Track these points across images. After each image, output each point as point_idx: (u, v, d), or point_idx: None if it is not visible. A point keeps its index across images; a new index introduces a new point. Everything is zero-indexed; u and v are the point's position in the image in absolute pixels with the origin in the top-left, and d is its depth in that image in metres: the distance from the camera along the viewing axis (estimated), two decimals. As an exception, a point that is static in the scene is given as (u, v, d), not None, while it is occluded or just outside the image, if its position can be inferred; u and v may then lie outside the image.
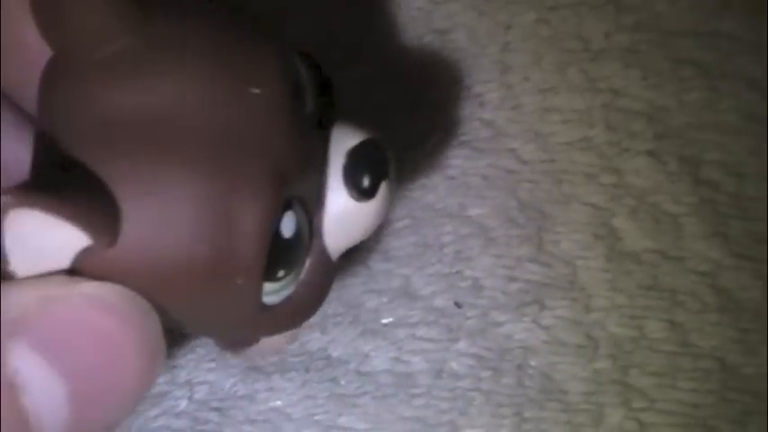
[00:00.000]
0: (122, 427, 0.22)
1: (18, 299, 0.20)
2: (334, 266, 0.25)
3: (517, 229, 0.34)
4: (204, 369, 0.32)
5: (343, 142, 0.24)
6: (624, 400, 0.32)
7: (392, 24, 0.36)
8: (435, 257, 0.33)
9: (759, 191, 0.34)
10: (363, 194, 0.24)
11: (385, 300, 0.33)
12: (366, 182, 0.23)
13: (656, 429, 0.31)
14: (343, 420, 0.32)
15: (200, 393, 0.32)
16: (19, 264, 0.21)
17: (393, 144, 0.24)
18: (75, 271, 0.21)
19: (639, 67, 0.35)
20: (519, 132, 0.35)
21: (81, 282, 0.21)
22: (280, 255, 0.22)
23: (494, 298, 0.33)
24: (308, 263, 0.24)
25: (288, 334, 0.26)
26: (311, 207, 0.23)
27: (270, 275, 0.23)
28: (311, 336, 0.33)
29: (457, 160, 0.34)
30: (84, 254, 0.21)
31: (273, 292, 0.23)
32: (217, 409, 0.32)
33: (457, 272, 0.33)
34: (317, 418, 0.32)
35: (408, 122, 0.35)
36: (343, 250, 0.25)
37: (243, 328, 0.25)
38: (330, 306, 0.33)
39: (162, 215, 0.21)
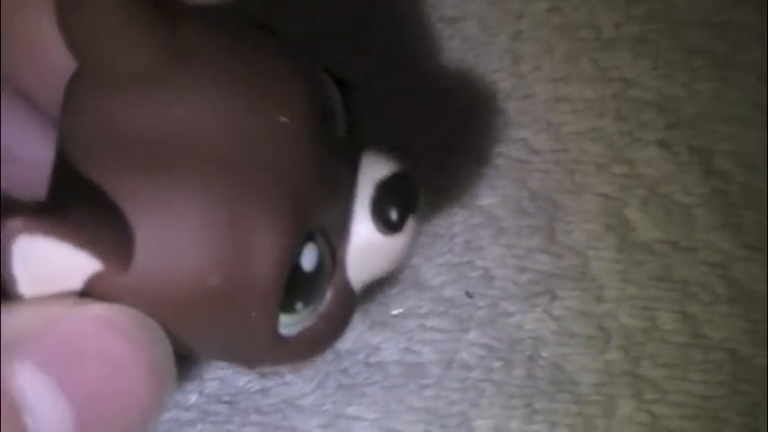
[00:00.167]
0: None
1: (25, 318, 0.20)
2: (355, 299, 0.24)
3: (528, 220, 0.33)
4: (216, 366, 0.32)
5: (372, 172, 0.23)
6: (635, 391, 0.32)
7: (401, 12, 0.36)
8: (446, 247, 0.33)
9: (770, 182, 0.34)
10: (391, 228, 0.23)
11: (395, 290, 0.33)
12: (394, 216, 0.23)
13: (668, 421, 0.31)
14: (351, 410, 0.32)
15: (211, 388, 0.32)
16: (27, 286, 0.20)
17: (416, 173, 0.23)
18: (86, 293, 0.21)
19: (650, 57, 0.35)
20: (530, 122, 0.34)
21: (90, 303, 0.21)
22: (298, 287, 0.22)
23: (504, 288, 0.33)
24: (328, 295, 0.23)
25: None
26: (335, 237, 0.23)
27: (287, 308, 0.22)
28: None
29: (467, 150, 0.34)
30: (95, 277, 0.20)
31: (290, 324, 0.22)
32: (227, 402, 0.32)
33: (467, 262, 0.33)
34: (325, 407, 0.32)
35: (417, 112, 0.35)
36: (367, 283, 0.24)
37: (256, 358, 0.24)
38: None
39: (176, 242, 0.20)
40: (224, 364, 0.32)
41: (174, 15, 0.21)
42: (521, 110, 0.34)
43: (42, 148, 0.25)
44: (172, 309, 0.21)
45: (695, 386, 0.32)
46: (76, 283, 0.20)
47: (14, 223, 0.19)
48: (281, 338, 0.22)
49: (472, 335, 0.32)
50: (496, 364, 0.32)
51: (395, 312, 0.32)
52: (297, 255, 0.21)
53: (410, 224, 0.23)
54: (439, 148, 0.34)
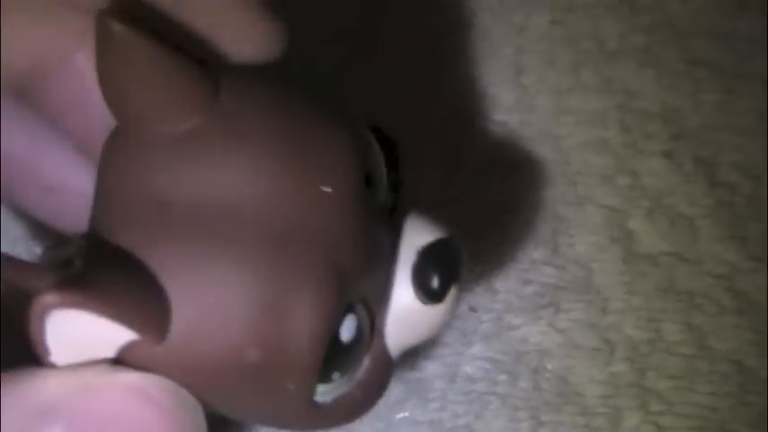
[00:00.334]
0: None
1: (57, 385, 0.20)
2: (392, 365, 0.23)
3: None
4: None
5: (415, 238, 0.22)
6: (642, 403, 0.31)
7: (405, 24, 0.36)
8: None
9: (775, 193, 0.34)
10: (432, 298, 0.22)
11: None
12: (436, 284, 0.22)
13: (674, 432, 0.31)
14: (355, 425, 0.31)
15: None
16: (60, 355, 0.20)
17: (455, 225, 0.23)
18: (119, 360, 0.20)
19: (654, 68, 0.35)
20: (533, 134, 0.34)
21: (123, 372, 0.20)
22: (336, 357, 0.21)
23: (508, 301, 0.33)
24: (365, 362, 0.23)
25: None
26: (375, 305, 0.22)
27: (323, 378, 0.21)
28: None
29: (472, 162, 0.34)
30: (129, 345, 0.20)
31: (326, 392, 0.22)
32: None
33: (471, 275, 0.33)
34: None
35: (421, 124, 0.35)
36: (405, 349, 0.24)
37: (290, 424, 0.23)
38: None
39: (213, 313, 0.20)
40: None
41: (218, 76, 0.21)
42: (524, 122, 0.34)
43: (79, 178, 0.25)
44: (206, 379, 0.21)
45: (701, 397, 0.32)
46: (110, 351, 0.20)
47: (49, 298, 0.19)
48: (316, 405, 0.22)
49: (476, 348, 0.32)
50: (501, 377, 0.32)
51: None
52: (337, 327, 0.21)
53: (452, 293, 0.23)
54: (444, 161, 0.34)
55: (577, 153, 0.34)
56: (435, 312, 0.23)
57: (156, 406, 0.20)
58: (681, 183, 0.34)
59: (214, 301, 0.20)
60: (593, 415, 0.31)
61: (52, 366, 0.20)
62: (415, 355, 0.32)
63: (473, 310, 0.32)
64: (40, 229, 0.31)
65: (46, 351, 0.20)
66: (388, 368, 0.23)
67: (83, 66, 0.23)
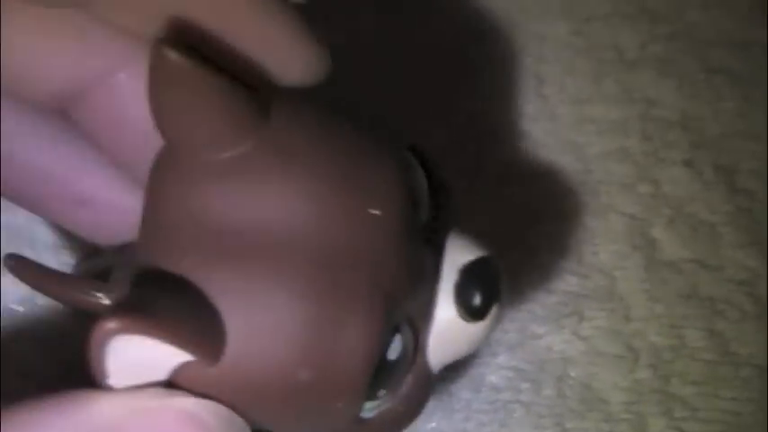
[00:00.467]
0: None
1: (111, 407, 0.20)
2: (433, 380, 0.24)
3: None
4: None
5: (457, 257, 0.23)
6: (666, 409, 0.32)
7: (426, 35, 0.36)
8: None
9: (795, 199, 0.34)
10: (473, 315, 0.23)
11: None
12: (477, 302, 0.23)
13: (698, 438, 0.31)
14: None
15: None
16: (117, 378, 0.20)
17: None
18: (172, 382, 0.21)
19: (674, 77, 0.35)
20: (555, 143, 0.35)
21: (176, 396, 0.21)
22: (383, 376, 0.22)
23: (532, 311, 0.33)
24: (408, 378, 0.23)
25: None
26: (418, 324, 0.23)
27: (370, 396, 0.22)
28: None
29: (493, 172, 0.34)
30: (182, 367, 0.20)
31: (370, 409, 0.22)
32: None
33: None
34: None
35: (443, 134, 0.35)
36: (445, 365, 0.24)
37: None
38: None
39: (266, 335, 0.20)
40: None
41: (267, 100, 0.21)
42: (546, 131, 0.35)
43: (112, 193, 0.26)
44: (257, 398, 0.21)
45: (725, 403, 0.32)
46: (164, 373, 0.20)
47: (111, 324, 0.19)
48: (362, 421, 0.22)
49: (501, 358, 0.32)
50: (525, 386, 0.32)
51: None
52: (385, 348, 0.21)
53: (493, 311, 0.23)
54: (465, 171, 0.34)
55: (599, 162, 0.34)
56: (476, 329, 0.23)
57: (207, 431, 0.20)
58: (701, 190, 0.34)
59: (266, 322, 0.20)
60: (618, 421, 0.32)
61: (108, 389, 0.20)
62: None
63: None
64: (69, 238, 0.31)
65: (104, 374, 0.20)
66: (428, 383, 0.24)
67: (124, 85, 0.24)
